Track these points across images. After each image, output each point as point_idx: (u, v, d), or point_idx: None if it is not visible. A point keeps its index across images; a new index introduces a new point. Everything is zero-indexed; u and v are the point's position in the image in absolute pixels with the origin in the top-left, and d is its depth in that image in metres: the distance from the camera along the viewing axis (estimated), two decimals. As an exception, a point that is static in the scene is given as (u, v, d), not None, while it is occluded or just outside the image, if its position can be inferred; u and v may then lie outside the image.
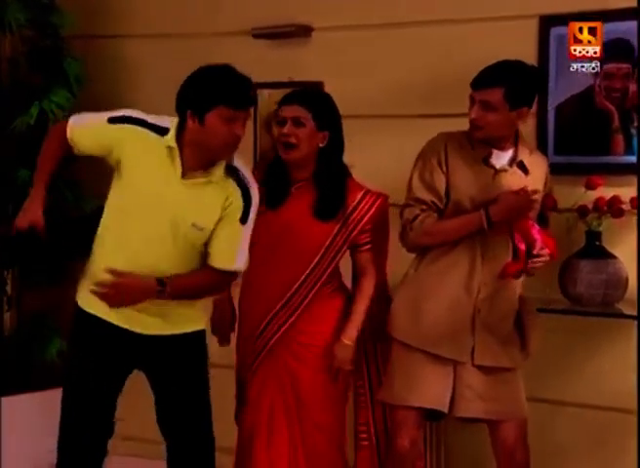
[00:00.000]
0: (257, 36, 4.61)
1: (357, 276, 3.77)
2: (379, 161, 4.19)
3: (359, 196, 3.68)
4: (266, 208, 3.64)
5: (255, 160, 4.49)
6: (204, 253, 3.38)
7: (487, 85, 3.53)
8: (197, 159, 3.30)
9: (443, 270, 3.61)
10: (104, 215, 3.39)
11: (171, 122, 3.33)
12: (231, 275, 3.43)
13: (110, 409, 3.46)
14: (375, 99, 4.37)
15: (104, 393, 3.43)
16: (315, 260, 3.66)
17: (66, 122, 3.42)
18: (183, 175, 3.29)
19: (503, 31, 4.10)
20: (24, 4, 4.73)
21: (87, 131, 3.39)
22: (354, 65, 4.43)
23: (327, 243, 3.66)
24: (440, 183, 3.60)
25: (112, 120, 3.35)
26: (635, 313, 3.66)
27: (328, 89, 4.24)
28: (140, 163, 3.31)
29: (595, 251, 3.86)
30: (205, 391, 3.49)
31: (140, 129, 3.33)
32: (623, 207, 3.79)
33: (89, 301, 3.36)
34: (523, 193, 3.52)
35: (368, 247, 3.72)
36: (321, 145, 3.66)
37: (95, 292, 3.25)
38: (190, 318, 3.45)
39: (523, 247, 3.51)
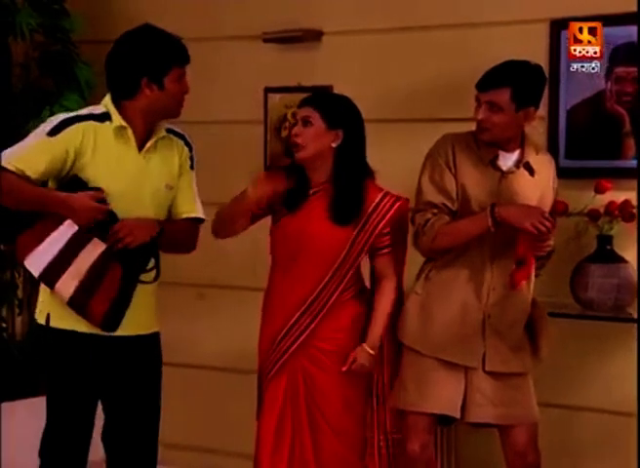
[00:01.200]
0: (267, 40, 4.62)
1: (377, 280, 3.70)
2: (388, 165, 4.16)
3: (378, 198, 3.60)
4: (286, 211, 3.62)
5: (265, 164, 4.49)
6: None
7: (494, 85, 3.52)
8: (143, 128, 3.36)
9: (452, 276, 3.60)
10: None
11: (104, 106, 3.37)
12: (198, 225, 3.52)
13: (90, 423, 3.46)
14: (384, 104, 4.37)
15: (86, 406, 3.42)
16: (335, 266, 3.58)
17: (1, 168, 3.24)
18: (140, 150, 3.35)
19: (515, 35, 4.11)
20: (36, 9, 4.75)
21: (35, 155, 3.28)
22: (364, 70, 4.44)
23: (346, 248, 3.57)
24: (451, 184, 3.58)
25: (52, 132, 3.30)
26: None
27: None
28: (98, 155, 3.31)
29: (606, 255, 3.86)
30: (159, 395, 3.53)
31: (81, 124, 3.32)
32: (635, 211, 3.78)
33: (61, 317, 3.35)
34: (540, 210, 3.49)
35: (387, 250, 3.65)
36: (334, 145, 3.58)
37: (110, 241, 3.25)
38: (151, 319, 3.48)
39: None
